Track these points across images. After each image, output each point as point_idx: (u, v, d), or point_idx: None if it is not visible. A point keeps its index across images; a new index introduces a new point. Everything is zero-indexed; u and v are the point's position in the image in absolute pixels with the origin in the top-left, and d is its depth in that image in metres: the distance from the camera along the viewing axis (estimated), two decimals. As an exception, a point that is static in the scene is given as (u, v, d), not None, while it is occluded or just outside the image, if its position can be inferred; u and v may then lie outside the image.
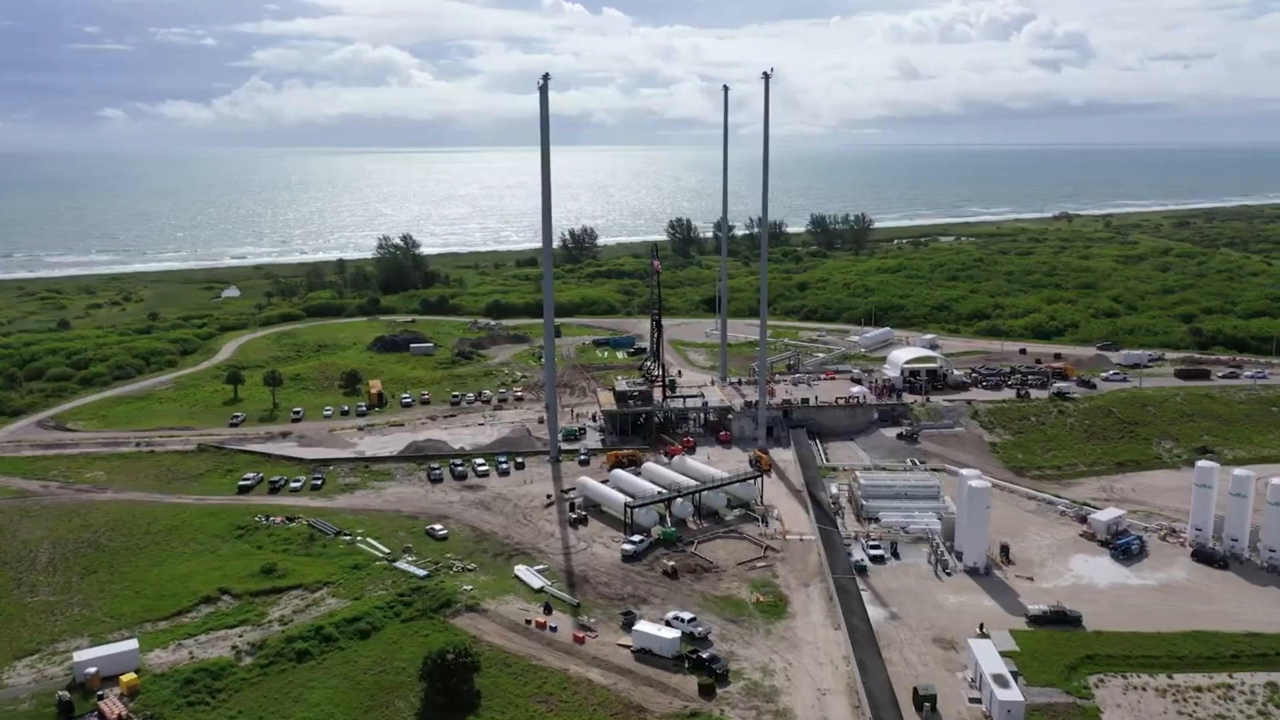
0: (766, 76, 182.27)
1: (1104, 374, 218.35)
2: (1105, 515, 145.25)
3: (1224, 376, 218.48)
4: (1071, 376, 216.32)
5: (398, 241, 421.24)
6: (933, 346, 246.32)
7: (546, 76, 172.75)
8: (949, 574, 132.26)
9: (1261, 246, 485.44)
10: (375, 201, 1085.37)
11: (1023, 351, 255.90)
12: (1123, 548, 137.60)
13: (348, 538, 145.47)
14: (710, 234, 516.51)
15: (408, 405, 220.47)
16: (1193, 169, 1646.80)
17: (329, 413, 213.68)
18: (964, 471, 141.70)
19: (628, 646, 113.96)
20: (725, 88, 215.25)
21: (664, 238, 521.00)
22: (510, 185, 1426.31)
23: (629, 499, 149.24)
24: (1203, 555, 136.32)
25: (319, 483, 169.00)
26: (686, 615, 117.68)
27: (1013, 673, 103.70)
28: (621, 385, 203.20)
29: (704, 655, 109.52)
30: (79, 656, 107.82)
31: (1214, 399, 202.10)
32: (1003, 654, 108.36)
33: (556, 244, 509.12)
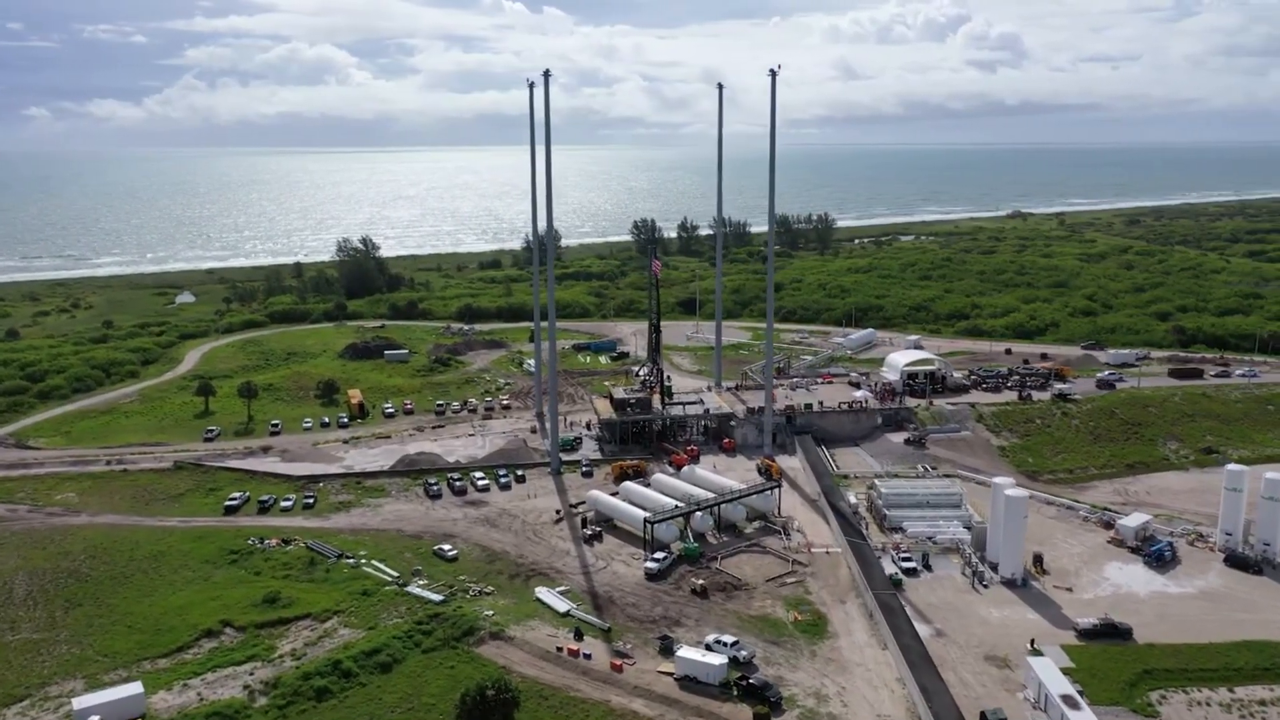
0: (773, 74, 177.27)
1: (1100, 375, 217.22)
2: (1132, 521, 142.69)
3: (1216, 375, 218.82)
4: (1068, 377, 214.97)
5: (358, 244, 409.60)
6: (917, 348, 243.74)
7: (547, 73, 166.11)
8: (986, 586, 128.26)
9: (1215, 244, 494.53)
10: (323, 203, 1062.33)
11: (1008, 352, 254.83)
12: (1155, 554, 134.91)
13: (351, 561, 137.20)
14: (674, 234, 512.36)
15: (391, 416, 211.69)
16: (1130, 168, 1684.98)
17: (309, 425, 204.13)
18: (997, 480, 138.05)
19: (669, 674, 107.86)
20: (720, 86, 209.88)
21: (628, 238, 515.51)
22: (458, 185, 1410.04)
23: (647, 513, 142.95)
24: (1235, 560, 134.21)
25: (311, 501, 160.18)
26: (728, 638, 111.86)
27: (1079, 692, 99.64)
28: (620, 392, 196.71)
29: (754, 681, 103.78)
30: (79, 704, 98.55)
31: (1211, 398, 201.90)
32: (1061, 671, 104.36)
33: (519, 245, 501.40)
